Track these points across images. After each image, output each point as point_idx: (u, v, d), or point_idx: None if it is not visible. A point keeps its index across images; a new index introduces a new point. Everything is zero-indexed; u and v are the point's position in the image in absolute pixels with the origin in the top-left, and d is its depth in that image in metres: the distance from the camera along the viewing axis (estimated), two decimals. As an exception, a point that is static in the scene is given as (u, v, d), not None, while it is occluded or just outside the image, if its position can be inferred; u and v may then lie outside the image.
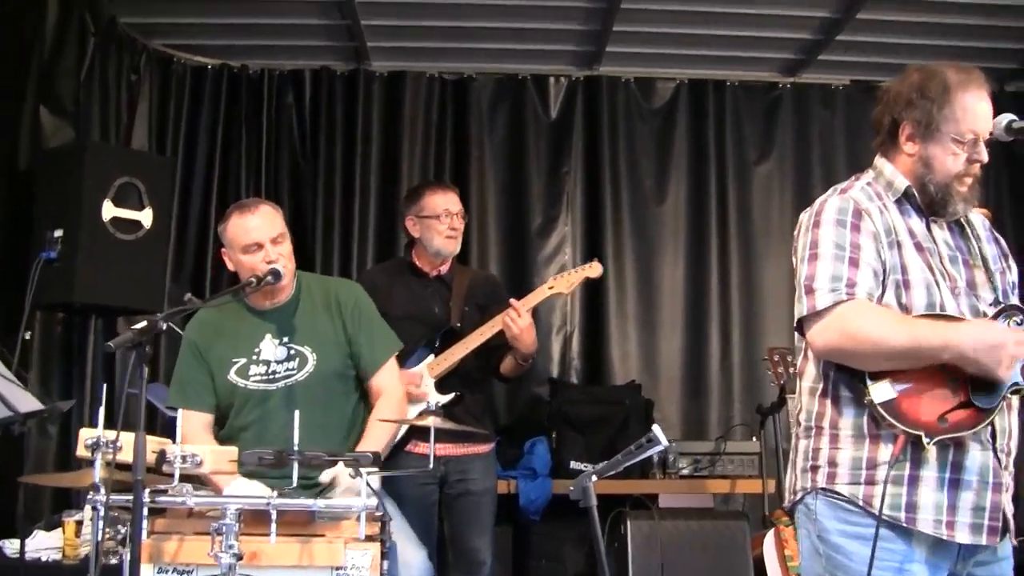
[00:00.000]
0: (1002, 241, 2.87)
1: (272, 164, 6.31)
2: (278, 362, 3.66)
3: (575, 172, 6.54)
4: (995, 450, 2.61)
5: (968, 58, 6.12)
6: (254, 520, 2.87)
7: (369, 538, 3.01)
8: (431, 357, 4.34)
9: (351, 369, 3.76)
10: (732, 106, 6.61)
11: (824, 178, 6.58)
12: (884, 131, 2.84)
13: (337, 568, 2.97)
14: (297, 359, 3.66)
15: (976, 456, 2.58)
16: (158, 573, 2.89)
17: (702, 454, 5.78)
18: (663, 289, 6.44)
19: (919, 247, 2.69)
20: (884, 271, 2.64)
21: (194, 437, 3.46)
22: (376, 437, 3.56)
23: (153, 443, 2.91)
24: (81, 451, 2.92)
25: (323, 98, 6.37)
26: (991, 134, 2.74)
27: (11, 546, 4.27)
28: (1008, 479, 2.65)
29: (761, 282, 6.56)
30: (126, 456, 2.87)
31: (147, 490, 2.79)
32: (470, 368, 4.39)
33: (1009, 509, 2.65)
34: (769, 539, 3.90)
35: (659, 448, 2.64)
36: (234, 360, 3.64)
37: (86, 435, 2.92)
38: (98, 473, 2.86)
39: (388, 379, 3.79)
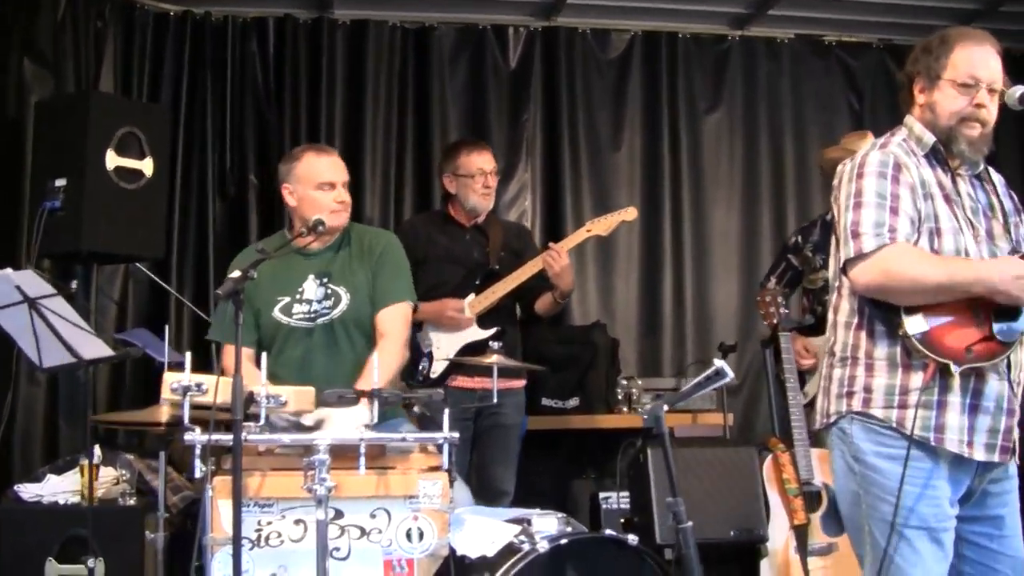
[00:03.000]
0: (1015, 197, 3.16)
1: (237, 112, 6.32)
2: (318, 301, 3.83)
3: (534, 120, 6.70)
4: (1010, 380, 2.92)
5: (904, 14, 6.53)
6: (333, 455, 3.01)
7: (435, 468, 3.21)
8: (472, 296, 4.58)
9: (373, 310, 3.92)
10: (684, 58, 6.85)
11: (770, 128, 6.94)
12: (904, 89, 3.11)
13: (411, 497, 3.16)
14: (333, 298, 3.84)
15: (994, 385, 2.88)
16: (240, 507, 3.01)
17: (663, 390, 6.10)
18: (619, 233, 6.53)
19: (947, 199, 2.97)
20: (919, 219, 2.91)
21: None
22: (369, 380, 3.68)
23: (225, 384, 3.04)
24: (167, 394, 3.03)
25: (287, 46, 6.39)
26: (1001, 95, 2.99)
27: (27, 491, 4.34)
28: (1017, 407, 2.97)
29: (711, 226, 6.86)
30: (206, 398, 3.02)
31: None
32: (508, 307, 4.65)
33: (1017, 433, 2.98)
34: (767, 465, 4.20)
35: (726, 380, 2.87)
36: (279, 298, 3.80)
37: (171, 379, 3.03)
38: (187, 414, 2.98)
39: (394, 322, 3.88)
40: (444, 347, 4.48)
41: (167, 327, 4.39)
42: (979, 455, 2.87)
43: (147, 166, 4.78)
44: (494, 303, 4.59)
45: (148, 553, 4.14)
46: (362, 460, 3.01)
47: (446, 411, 3.10)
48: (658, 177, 6.80)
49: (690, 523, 2.82)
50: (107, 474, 4.33)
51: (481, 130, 6.58)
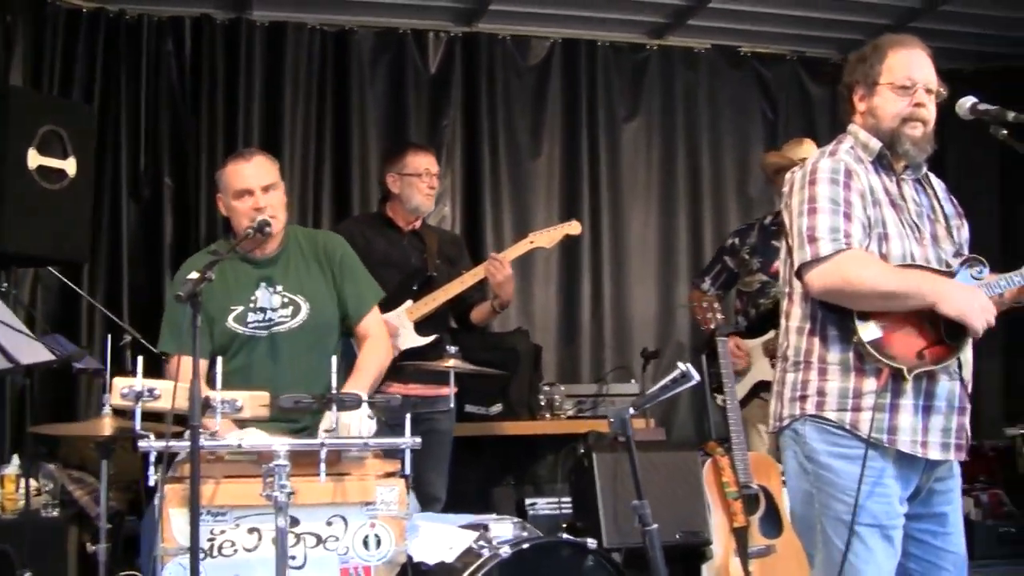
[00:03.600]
0: (955, 202, 3.24)
1: (152, 113, 6.17)
2: (273, 309, 3.74)
3: (454, 126, 6.70)
4: (961, 379, 2.99)
5: (816, 28, 6.70)
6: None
7: (391, 474, 3.16)
8: (409, 303, 4.55)
9: (338, 318, 3.87)
10: (603, 66, 6.91)
11: (687, 136, 7.05)
12: (844, 100, 3.19)
13: (367, 503, 3.11)
14: (291, 307, 3.76)
15: (945, 385, 2.95)
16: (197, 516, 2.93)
17: (585, 396, 6.14)
18: None
19: (893, 204, 3.04)
20: (869, 225, 2.97)
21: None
22: (365, 377, 3.67)
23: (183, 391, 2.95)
24: (117, 400, 2.93)
25: (204, 47, 6.26)
26: (938, 95, 3.07)
27: (-60, 504, 4.16)
28: (968, 404, 3.05)
29: (629, 233, 6.93)
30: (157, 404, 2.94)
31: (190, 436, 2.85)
32: (443, 314, 4.61)
33: (969, 430, 3.06)
34: (706, 469, 4.24)
35: (692, 383, 2.88)
36: (232, 307, 3.70)
37: (121, 384, 2.93)
38: (139, 421, 2.88)
39: (374, 324, 3.94)
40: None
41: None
42: (934, 454, 2.93)
43: (70, 166, 4.61)
44: (433, 310, 4.56)
45: (71, 564, 4.03)
46: (323, 466, 2.95)
47: (408, 416, 3.06)
48: (577, 184, 6.85)
49: (656, 525, 2.82)
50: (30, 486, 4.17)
51: (400, 135, 6.53)
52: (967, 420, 3.02)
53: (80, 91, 6.02)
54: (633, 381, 6.20)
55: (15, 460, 4.18)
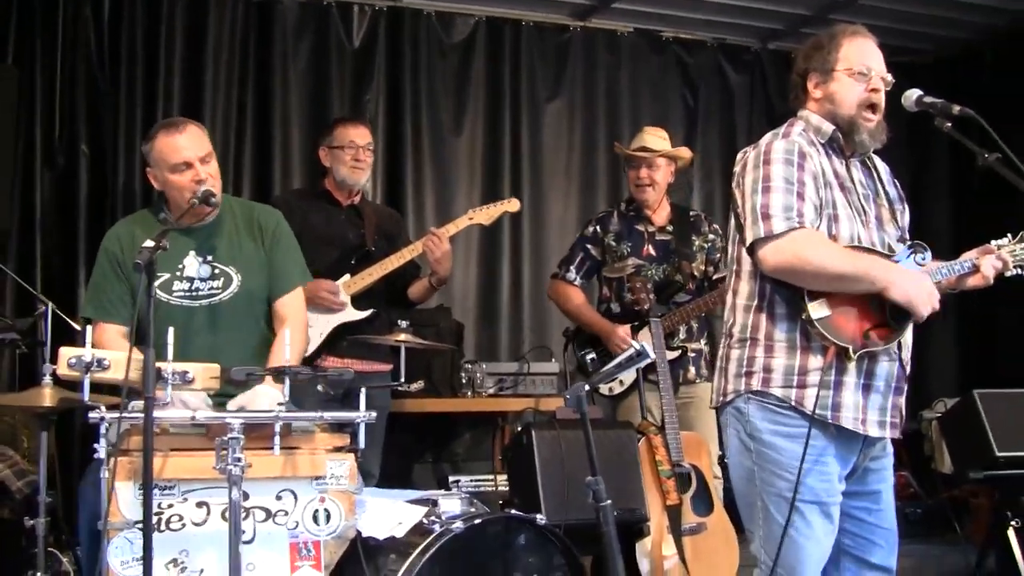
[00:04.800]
0: (898, 185, 3.34)
1: (68, 80, 5.97)
2: (202, 280, 3.66)
3: (376, 101, 6.63)
4: (900, 360, 3.09)
5: (737, 16, 6.80)
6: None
7: (340, 448, 3.14)
8: (347, 277, 4.51)
9: (268, 292, 3.80)
10: (526, 45, 6.92)
11: (608, 118, 7.10)
12: (797, 88, 3.25)
13: (318, 478, 3.08)
14: (222, 279, 3.67)
15: (885, 365, 3.05)
16: (139, 490, 2.87)
17: (506, 374, 6.15)
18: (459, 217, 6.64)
19: (842, 186, 3.11)
20: (820, 206, 3.04)
21: (113, 348, 3.38)
22: (285, 357, 3.61)
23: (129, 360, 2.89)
24: (64, 370, 2.86)
25: (124, 12, 6.06)
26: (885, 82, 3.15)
27: None
28: (905, 384, 3.15)
29: (549, 214, 6.97)
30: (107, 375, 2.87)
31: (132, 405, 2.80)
32: (381, 291, 4.56)
33: (904, 409, 3.16)
34: (640, 447, 4.30)
35: (647, 360, 2.91)
36: (158, 274, 3.58)
37: (68, 354, 2.85)
38: (86, 392, 2.81)
39: (294, 306, 3.82)
40: (316, 326, 4.37)
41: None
42: (872, 431, 3.02)
43: (-14, 129, 4.44)
44: (369, 285, 4.54)
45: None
46: (276, 439, 2.92)
47: (363, 390, 3.04)
48: (498, 163, 6.86)
49: (609, 501, 2.85)
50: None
51: (323, 108, 6.46)
52: (903, 400, 3.12)
53: (-9, 55, 5.82)
54: (553, 360, 6.23)
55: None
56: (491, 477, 5.75)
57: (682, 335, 4.88)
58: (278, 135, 6.36)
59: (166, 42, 6.14)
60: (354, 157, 4.65)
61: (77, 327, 4.41)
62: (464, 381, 5.99)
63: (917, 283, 2.97)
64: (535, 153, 6.94)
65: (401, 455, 5.96)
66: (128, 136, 6.03)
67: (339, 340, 4.53)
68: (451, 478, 5.61)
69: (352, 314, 4.47)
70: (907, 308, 2.96)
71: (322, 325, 4.41)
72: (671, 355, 4.69)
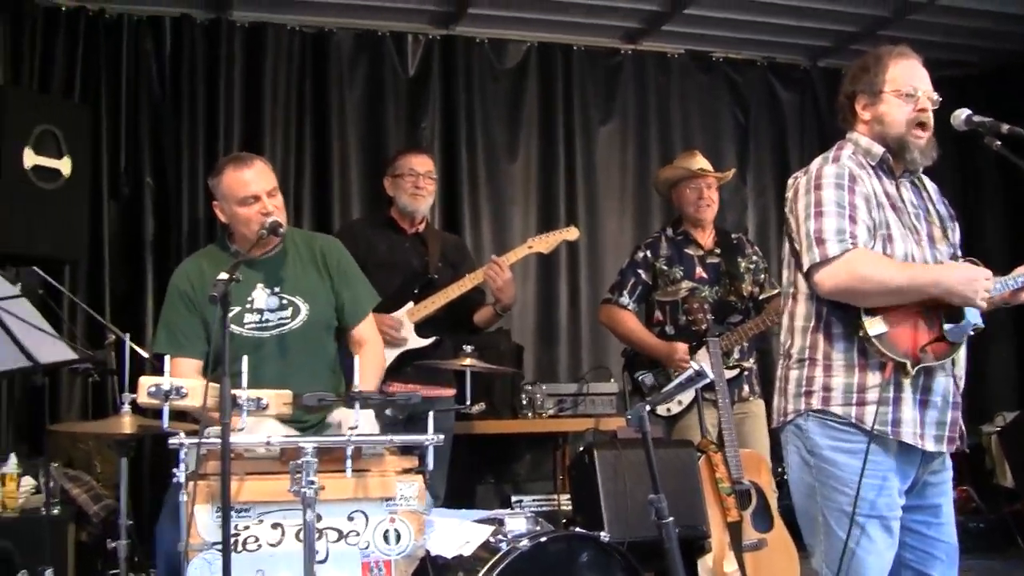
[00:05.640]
0: (947, 203, 3.37)
1: (131, 112, 6.18)
2: (271, 311, 3.75)
3: (432, 127, 6.77)
4: (954, 376, 3.12)
5: (786, 34, 6.86)
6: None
7: (409, 470, 3.23)
8: (411, 304, 4.61)
9: (335, 320, 3.90)
10: (578, 69, 7.03)
11: (660, 139, 7.19)
12: (845, 110, 3.29)
13: (388, 499, 3.17)
14: (290, 308, 3.77)
15: (941, 380, 3.08)
16: (216, 513, 2.97)
17: (565, 395, 6.22)
18: (516, 241, 6.59)
19: (894, 206, 3.16)
20: (874, 227, 3.09)
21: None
22: (369, 381, 3.72)
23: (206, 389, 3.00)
24: (144, 398, 2.97)
25: (184, 46, 6.28)
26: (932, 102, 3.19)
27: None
28: (960, 399, 3.18)
29: (605, 235, 7.05)
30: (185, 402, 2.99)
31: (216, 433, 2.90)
32: (445, 317, 4.67)
33: (962, 424, 3.19)
34: (700, 465, 4.36)
35: (706, 380, 2.98)
36: (230, 308, 3.69)
37: (148, 383, 2.97)
38: (166, 420, 2.93)
39: (369, 330, 3.98)
40: (384, 356, 4.49)
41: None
42: (930, 446, 3.06)
43: (65, 165, 4.62)
44: (432, 312, 4.63)
45: (70, 562, 4.04)
46: (349, 462, 3.01)
47: (431, 414, 3.13)
48: (553, 186, 6.97)
49: (672, 518, 2.91)
50: (26, 483, 4.18)
51: (379, 137, 6.62)
52: (960, 415, 3.14)
53: (59, 90, 6.00)
54: (612, 380, 6.29)
55: (12, 458, 4.17)
56: (553, 497, 5.82)
57: (736, 354, 4.93)
58: (336, 164, 6.51)
59: (225, 73, 6.34)
60: (414, 184, 4.76)
61: (145, 354, 4.52)
62: (525, 402, 6.07)
63: (969, 278, 3.00)
64: (589, 175, 7.03)
65: (465, 476, 6.03)
66: (191, 166, 6.21)
67: (404, 366, 4.62)
68: (513, 498, 5.69)
69: (416, 342, 4.56)
70: (965, 304, 2.99)
71: (388, 353, 4.50)
72: (729, 374, 4.75)
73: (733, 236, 5.27)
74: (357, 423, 3.10)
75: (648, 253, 5.09)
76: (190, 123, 6.25)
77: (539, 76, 6.98)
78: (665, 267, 5.02)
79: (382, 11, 6.54)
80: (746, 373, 4.96)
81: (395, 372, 4.47)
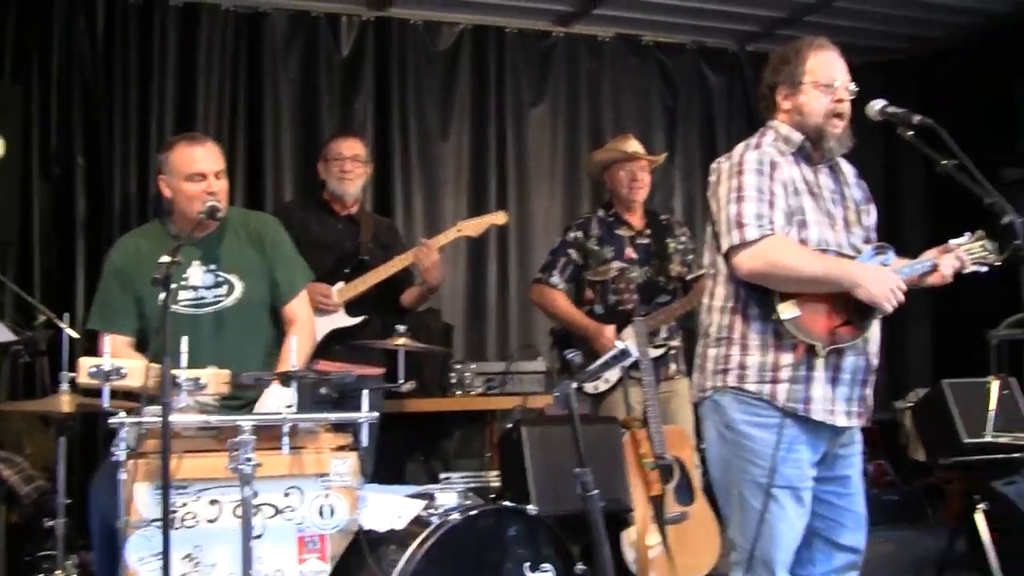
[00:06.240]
0: (864, 185, 3.52)
1: (63, 93, 6.13)
2: (206, 288, 3.84)
3: (365, 109, 6.81)
4: (867, 354, 3.29)
5: (715, 19, 6.99)
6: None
7: (343, 447, 3.34)
8: (341, 284, 4.72)
9: (270, 298, 3.98)
10: (511, 52, 7.12)
11: (591, 122, 7.29)
12: (766, 99, 3.44)
13: (323, 475, 3.27)
14: (225, 286, 3.86)
15: (851, 359, 3.25)
16: (155, 490, 3.06)
17: (494, 373, 6.33)
18: (447, 222, 6.59)
19: (811, 192, 3.31)
20: (791, 213, 3.23)
21: (120, 358, 3.55)
22: (297, 359, 3.79)
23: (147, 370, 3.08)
24: (84, 378, 3.04)
25: (117, 26, 6.24)
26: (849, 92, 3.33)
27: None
28: (872, 376, 3.35)
29: (535, 216, 7.17)
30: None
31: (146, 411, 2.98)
32: (374, 297, 4.78)
33: (871, 400, 3.36)
34: (625, 441, 4.50)
35: (632, 359, 3.11)
36: None
37: (89, 363, 3.03)
38: (107, 399, 3.00)
39: (301, 308, 4.06)
40: (311, 330, 4.59)
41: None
42: (840, 422, 3.23)
43: (-3, 146, 4.61)
44: (362, 292, 4.74)
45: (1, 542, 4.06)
46: (285, 440, 3.11)
47: (365, 392, 3.23)
48: (484, 167, 7.06)
49: (597, 491, 3.04)
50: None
51: (312, 118, 6.65)
52: (869, 391, 3.33)
53: (-14, 68, 5.97)
54: (540, 359, 6.41)
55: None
56: (481, 473, 5.95)
57: (663, 333, 5.08)
58: (269, 145, 6.54)
59: (159, 53, 6.31)
60: (341, 169, 4.90)
61: (75, 335, 4.54)
62: (454, 381, 6.17)
63: (880, 280, 3.15)
64: (520, 157, 7.14)
65: (394, 454, 6.13)
66: (124, 146, 6.20)
67: (332, 345, 4.71)
68: (442, 475, 5.80)
69: (345, 320, 4.69)
70: (871, 304, 3.15)
71: (317, 330, 4.60)
72: (655, 353, 4.89)
73: (663, 217, 5.40)
74: (289, 403, 3.20)
75: (579, 233, 5.20)
76: (123, 103, 6.22)
77: (472, 59, 7.05)
78: (596, 247, 5.14)
79: (316, -8, 6.57)
80: (673, 352, 5.11)
81: (323, 351, 4.57)
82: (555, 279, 5.17)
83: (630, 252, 5.11)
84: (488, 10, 6.93)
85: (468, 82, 7.05)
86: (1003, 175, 5.95)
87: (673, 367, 5.12)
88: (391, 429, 5.94)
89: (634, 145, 5.26)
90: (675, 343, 5.14)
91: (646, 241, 5.17)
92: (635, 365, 4.56)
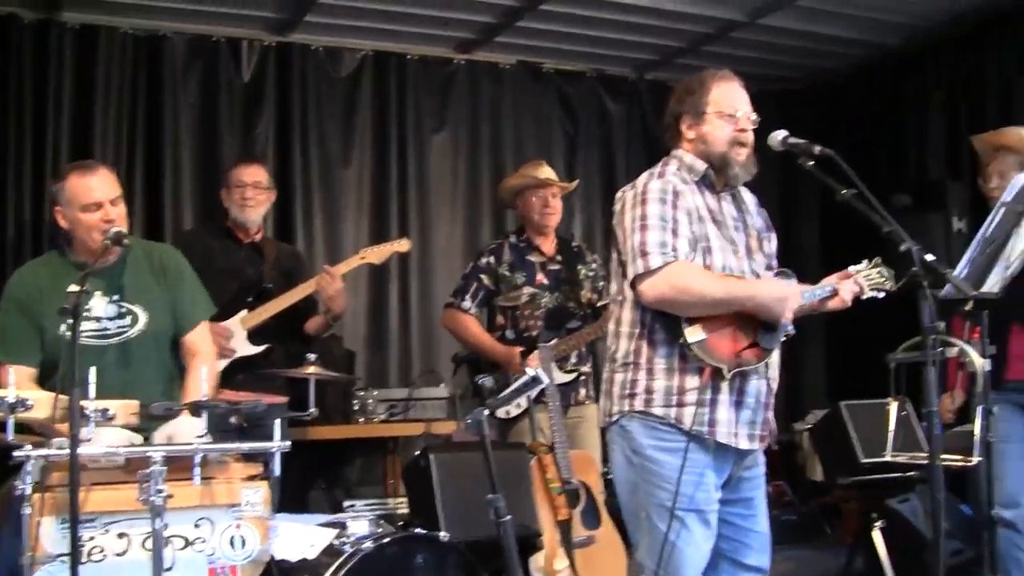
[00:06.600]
0: (764, 213, 3.63)
1: (-46, 115, 6.01)
2: (109, 319, 3.78)
3: (266, 134, 6.78)
4: (768, 378, 3.39)
5: (614, 48, 7.12)
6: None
7: (254, 477, 3.31)
8: (244, 312, 4.67)
9: (173, 329, 3.95)
10: (412, 78, 7.16)
11: (492, 148, 7.37)
12: (670, 128, 3.52)
13: (233, 505, 3.24)
14: (129, 317, 3.81)
15: (755, 383, 3.34)
16: (61, 525, 3.00)
17: (396, 400, 6.33)
18: (347, 248, 6.72)
19: (715, 220, 3.40)
20: (695, 240, 3.32)
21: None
22: (200, 390, 3.75)
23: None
24: (-15, 410, 2.97)
25: (11, 47, 6.11)
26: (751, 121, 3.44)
27: None
28: (772, 399, 3.45)
29: (436, 242, 7.20)
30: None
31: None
32: (277, 325, 4.77)
33: (773, 422, 3.46)
34: (532, 466, 4.53)
35: (542, 386, 3.15)
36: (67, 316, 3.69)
37: (-10, 394, 2.97)
38: (11, 432, 2.94)
39: (202, 339, 4.01)
40: (213, 361, 4.55)
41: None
42: (743, 444, 3.31)
43: None
44: (265, 320, 4.72)
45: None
46: (197, 470, 3.08)
47: (277, 421, 3.22)
48: (386, 193, 7.08)
49: (510, 516, 3.07)
50: None
51: (213, 143, 6.60)
52: (771, 414, 3.42)
53: None
54: (443, 385, 6.43)
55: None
56: (385, 501, 5.94)
57: (573, 359, 5.13)
58: (168, 170, 6.47)
59: (55, 76, 6.21)
60: (243, 196, 4.89)
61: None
62: (356, 408, 6.15)
63: (784, 298, 3.26)
64: (421, 183, 7.16)
65: (296, 483, 6.09)
66: (17, 171, 6.08)
67: (235, 374, 4.68)
68: (345, 503, 5.77)
69: (248, 348, 4.66)
70: (771, 314, 3.24)
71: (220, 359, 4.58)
72: (566, 378, 4.98)
73: (574, 244, 5.47)
74: (200, 432, 3.17)
75: (491, 259, 5.24)
76: (17, 127, 6.10)
77: (374, 85, 7.07)
78: (507, 272, 5.18)
79: (217, 16, 6.50)
80: (583, 377, 5.16)
81: (226, 380, 4.53)
82: (467, 304, 5.19)
83: (541, 278, 5.17)
84: (390, 36, 6.94)
85: (370, 108, 7.07)
86: (894, 202, 6.15)
87: (583, 392, 5.18)
88: (293, 458, 5.95)
89: (547, 171, 5.32)
90: (585, 368, 5.20)
91: (557, 267, 5.23)
92: (544, 391, 4.60)
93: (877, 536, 4.86)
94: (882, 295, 3.51)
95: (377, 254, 5.01)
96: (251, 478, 3.31)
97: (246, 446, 3.27)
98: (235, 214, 4.89)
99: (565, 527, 4.43)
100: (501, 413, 4.93)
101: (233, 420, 3.30)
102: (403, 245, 5.10)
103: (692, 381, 3.24)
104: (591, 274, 5.28)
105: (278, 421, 3.22)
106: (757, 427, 3.35)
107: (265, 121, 6.78)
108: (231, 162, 5.23)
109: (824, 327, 7.62)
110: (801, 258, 7.51)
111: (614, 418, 3.36)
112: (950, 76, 7.14)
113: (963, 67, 7.04)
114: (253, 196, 4.90)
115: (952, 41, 7.06)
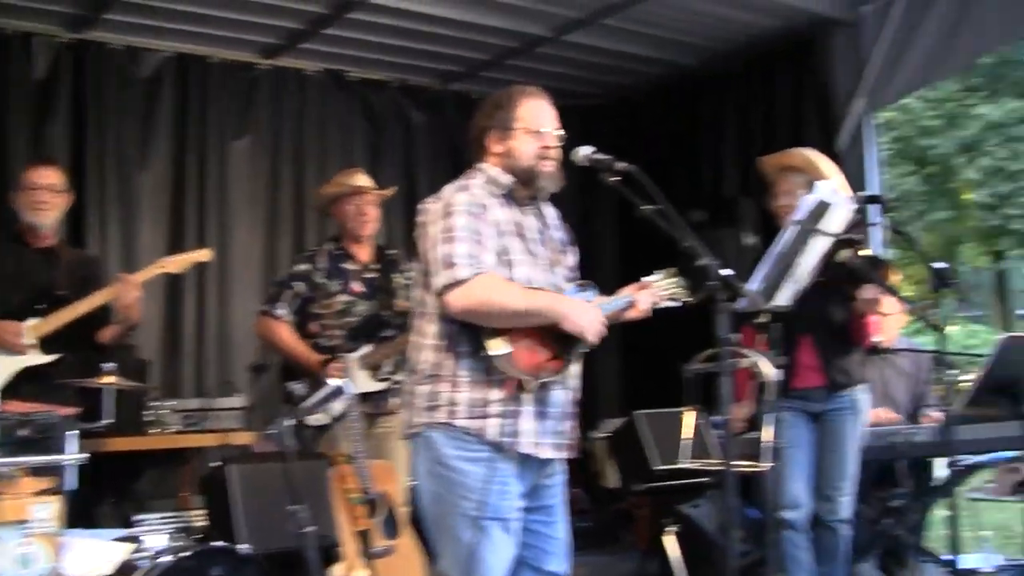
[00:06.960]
0: (565, 229, 3.71)
1: None
2: None
3: (60, 135, 6.53)
4: (569, 389, 3.49)
5: (419, 58, 7.17)
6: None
7: (45, 492, 3.19)
8: (35, 319, 4.51)
9: None
10: (214, 83, 7.03)
11: (294, 155, 7.31)
12: (477, 142, 3.58)
13: (22, 522, 3.12)
14: None
15: (557, 394, 3.43)
16: None
17: (191, 411, 6.18)
18: (143, 255, 6.56)
19: (518, 233, 3.47)
20: (499, 252, 3.38)
21: None
22: None
23: None
24: None
25: None
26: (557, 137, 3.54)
27: None
28: (573, 409, 3.55)
29: (234, 250, 7.08)
30: None
31: None
32: (70, 333, 4.58)
33: (575, 432, 3.56)
34: (332, 475, 4.51)
35: (347, 396, 3.15)
36: None
37: None
38: None
39: None
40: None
41: None
42: (546, 454, 3.39)
43: None
44: (58, 328, 4.54)
45: None
46: (-22, 486, 2.96)
47: (70, 433, 3.11)
48: (184, 199, 6.93)
49: (314, 527, 3.06)
50: None
51: (2, 142, 6.30)
52: (573, 424, 3.52)
53: None
54: (239, 395, 6.32)
55: None
56: (179, 514, 5.76)
57: (387, 367, 5.13)
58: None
59: None
60: (35, 199, 4.70)
61: None
62: (150, 419, 5.96)
63: (586, 313, 3.35)
64: (221, 189, 7.04)
65: (82, 498, 5.85)
66: None
67: (23, 384, 4.49)
68: (136, 517, 5.57)
69: (38, 357, 4.47)
70: (578, 335, 3.33)
71: (6, 368, 4.39)
72: (376, 386, 4.98)
73: (390, 252, 5.44)
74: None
75: (307, 266, 5.19)
76: None
77: (174, 87, 6.91)
78: (323, 280, 5.13)
79: (8, 9, 6.21)
80: (396, 387, 5.16)
81: (12, 390, 4.36)
82: (280, 311, 5.12)
83: (356, 286, 5.14)
84: (192, 38, 6.80)
85: (170, 111, 6.90)
86: (689, 217, 6.38)
87: (395, 401, 5.17)
88: (80, 471, 5.76)
89: (362, 179, 5.30)
90: (400, 377, 5.19)
91: (373, 275, 5.21)
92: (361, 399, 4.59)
93: (670, 540, 5.02)
94: (678, 304, 3.64)
95: (177, 263, 4.90)
96: (42, 493, 3.20)
97: (40, 459, 3.17)
98: (27, 218, 4.69)
99: (364, 537, 4.43)
100: (314, 420, 4.88)
101: (25, 432, 3.18)
102: (204, 255, 5.01)
103: (496, 393, 3.29)
104: (407, 282, 5.25)
105: (71, 433, 3.11)
106: (561, 437, 3.43)
107: (59, 121, 6.52)
108: (22, 163, 4.98)
109: (619, 337, 7.83)
110: (601, 272, 7.72)
111: (417, 429, 3.38)
112: (744, 97, 7.48)
113: (756, 89, 7.39)
114: (47, 199, 4.72)
115: (747, 64, 7.40)
